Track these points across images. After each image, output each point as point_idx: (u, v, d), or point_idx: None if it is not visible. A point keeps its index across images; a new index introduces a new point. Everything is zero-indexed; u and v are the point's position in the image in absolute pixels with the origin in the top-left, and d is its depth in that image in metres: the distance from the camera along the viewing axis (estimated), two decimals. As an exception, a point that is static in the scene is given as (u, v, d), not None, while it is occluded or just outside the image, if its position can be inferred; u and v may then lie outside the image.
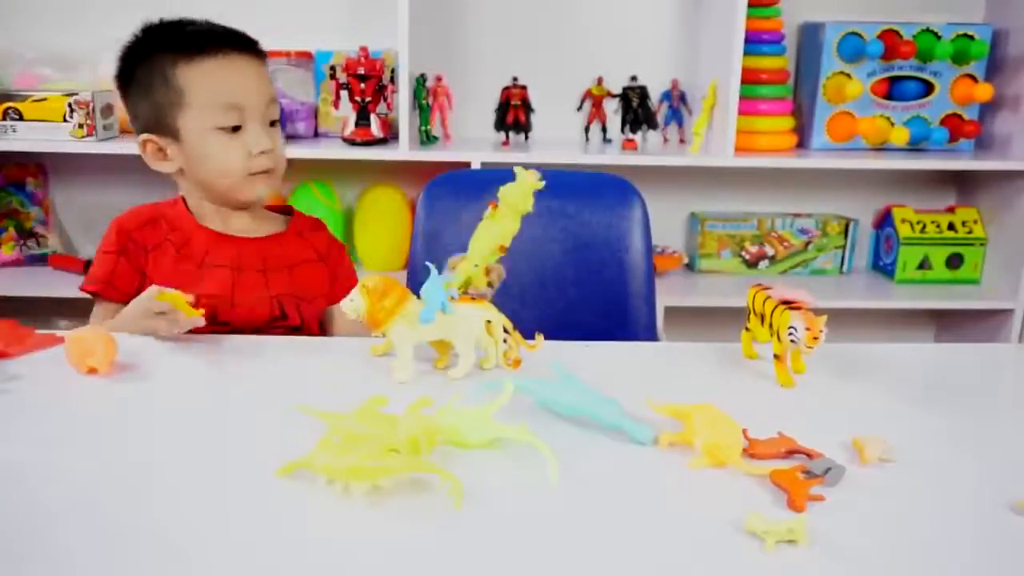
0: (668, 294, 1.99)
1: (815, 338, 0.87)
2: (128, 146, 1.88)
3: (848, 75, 2.04)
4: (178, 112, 1.06)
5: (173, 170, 1.11)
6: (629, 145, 2.04)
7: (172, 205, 1.16)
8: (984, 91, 2.03)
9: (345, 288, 1.10)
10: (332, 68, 1.97)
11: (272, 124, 1.10)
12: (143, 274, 1.11)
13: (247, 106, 1.06)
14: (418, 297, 0.91)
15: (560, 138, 2.16)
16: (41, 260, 2.06)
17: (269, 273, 1.14)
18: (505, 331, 0.94)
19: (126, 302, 1.05)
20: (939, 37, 2.02)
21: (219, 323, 1.07)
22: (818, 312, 0.89)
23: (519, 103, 2.03)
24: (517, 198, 0.96)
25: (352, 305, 0.91)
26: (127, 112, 1.14)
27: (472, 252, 0.98)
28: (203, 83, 1.05)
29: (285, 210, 1.22)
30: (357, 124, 1.95)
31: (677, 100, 2.14)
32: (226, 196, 1.11)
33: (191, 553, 0.59)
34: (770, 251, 2.22)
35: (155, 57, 1.06)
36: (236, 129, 1.06)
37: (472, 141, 2.07)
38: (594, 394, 0.81)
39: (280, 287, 1.13)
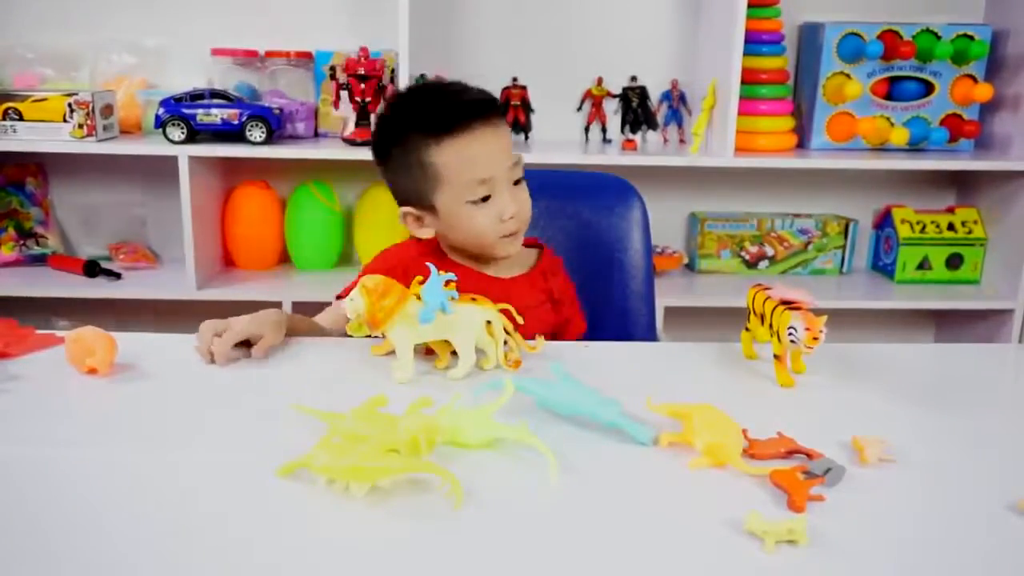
0: (668, 294, 1.99)
1: (815, 338, 0.87)
2: (127, 146, 1.89)
3: (848, 75, 2.05)
4: (435, 190, 1.10)
5: (430, 235, 1.16)
6: (629, 145, 2.04)
7: (420, 248, 1.18)
8: (984, 91, 2.03)
9: (575, 329, 1.23)
10: (332, 68, 1.97)
11: (516, 183, 1.13)
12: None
13: (496, 177, 1.09)
14: (418, 297, 0.91)
15: (560, 138, 2.16)
16: (41, 260, 2.06)
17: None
18: (505, 331, 0.95)
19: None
20: (939, 37, 2.02)
21: None
22: (818, 312, 0.89)
23: (519, 103, 2.03)
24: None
25: (352, 305, 0.91)
26: (386, 182, 1.20)
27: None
28: (455, 163, 1.09)
29: (535, 242, 1.26)
30: (357, 124, 1.94)
31: (677, 100, 2.14)
32: (479, 253, 1.16)
33: (191, 553, 0.59)
34: (770, 251, 2.22)
35: (409, 139, 1.11)
36: (487, 198, 1.10)
37: (472, 141, 2.06)
38: (594, 394, 0.81)
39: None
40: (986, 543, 0.64)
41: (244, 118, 1.87)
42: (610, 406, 0.79)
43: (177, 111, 1.86)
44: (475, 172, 1.08)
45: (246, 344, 0.99)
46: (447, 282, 0.90)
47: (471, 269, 1.16)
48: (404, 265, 1.13)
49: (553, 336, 1.20)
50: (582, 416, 0.80)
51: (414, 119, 1.11)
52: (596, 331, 1.26)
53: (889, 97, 2.09)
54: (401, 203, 1.16)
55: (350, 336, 0.97)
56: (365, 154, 1.93)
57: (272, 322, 1.02)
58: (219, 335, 0.96)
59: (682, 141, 2.16)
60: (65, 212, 2.16)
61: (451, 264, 1.15)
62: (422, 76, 1.97)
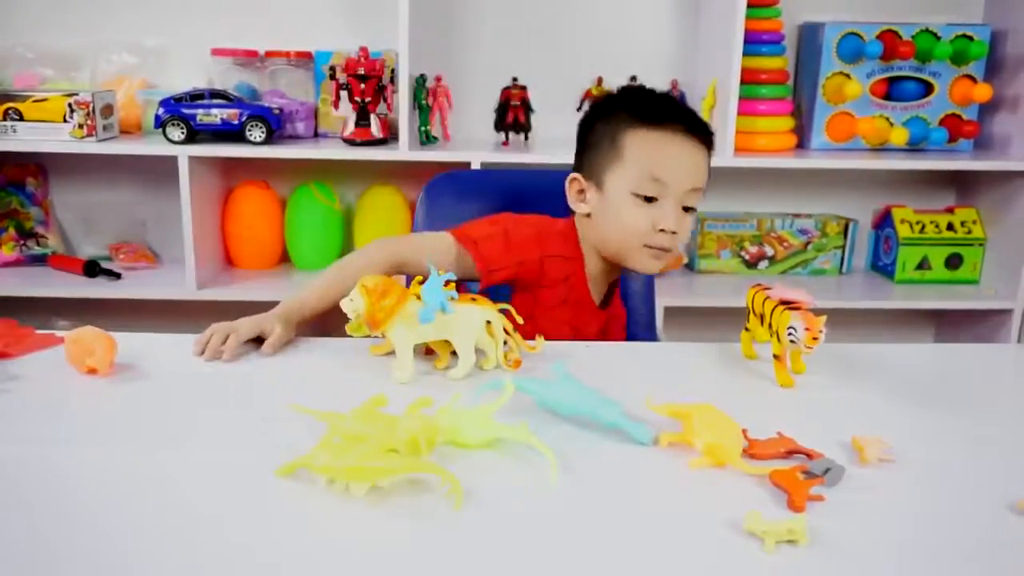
0: (668, 294, 1.99)
1: (815, 338, 0.87)
2: (127, 146, 1.89)
3: (847, 75, 2.05)
4: (612, 167, 1.11)
5: (585, 212, 1.15)
6: (629, 145, 2.04)
7: (573, 249, 1.17)
8: (983, 91, 2.03)
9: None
10: (332, 68, 1.97)
11: (687, 210, 1.12)
12: (515, 280, 1.14)
13: (670, 184, 1.09)
14: (418, 298, 0.91)
15: (560, 138, 2.14)
16: (41, 260, 2.06)
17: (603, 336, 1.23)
18: (505, 331, 0.95)
19: (480, 283, 1.11)
20: (938, 37, 2.02)
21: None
22: (818, 312, 0.89)
23: (519, 103, 2.03)
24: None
25: (351, 305, 0.91)
26: (575, 152, 1.19)
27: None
28: (643, 149, 1.10)
29: None
30: (357, 124, 1.94)
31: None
32: (616, 255, 1.15)
33: (191, 553, 0.59)
34: (770, 251, 2.22)
35: (617, 116, 1.13)
36: (651, 200, 1.09)
37: (472, 141, 2.07)
38: (594, 394, 0.81)
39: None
40: (986, 543, 0.64)
41: (244, 118, 1.87)
42: (610, 406, 0.79)
43: (177, 111, 1.86)
44: (655, 168, 1.09)
45: (254, 341, 0.99)
46: (447, 282, 0.90)
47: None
48: (547, 233, 1.14)
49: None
50: (582, 416, 0.80)
51: (630, 101, 1.15)
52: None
53: (888, 97, 2.09)
54: (575, 170, 1.17)
55: (351, 336, 0.97)
56: (365, 154, 1.95)
57: (276, 316, 1.02)
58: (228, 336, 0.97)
59: (682, 141, 2.16)
60: (65, 212, 2.16)
61: (578, 254, 1.16)
62: (422, 76, 1.97)
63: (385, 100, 1.97)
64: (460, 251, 1.11)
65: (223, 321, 1.00)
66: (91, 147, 1.84)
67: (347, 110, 1.95)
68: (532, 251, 1.13)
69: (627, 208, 1.10)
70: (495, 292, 1.09)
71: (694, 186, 1.11)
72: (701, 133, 1.13)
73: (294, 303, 1.05)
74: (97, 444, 0.76)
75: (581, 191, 1.15)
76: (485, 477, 0.70)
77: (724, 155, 1.95)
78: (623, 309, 1.30)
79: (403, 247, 1.12)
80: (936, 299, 2.10)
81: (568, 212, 1.18)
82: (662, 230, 1.09)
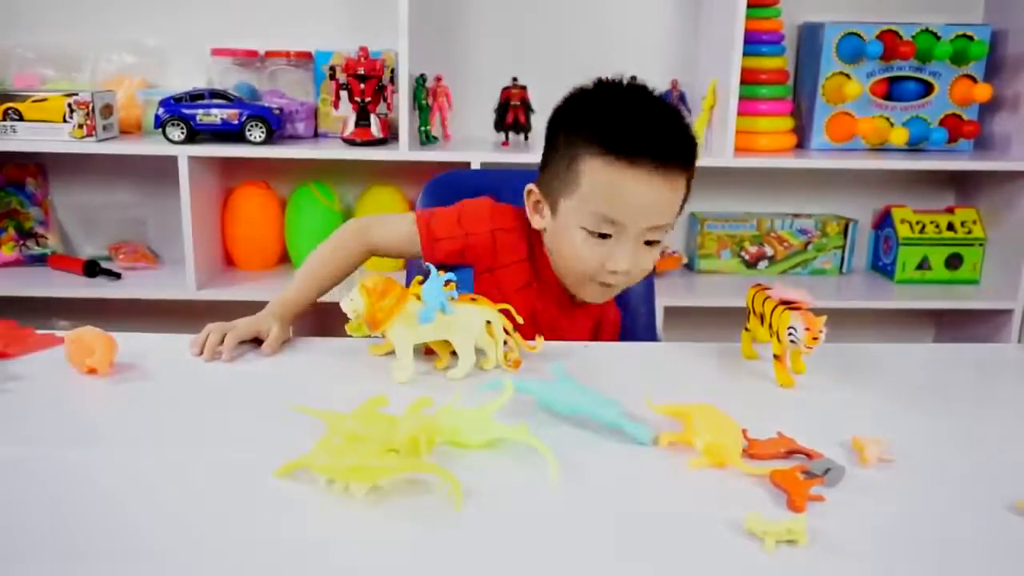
0: (668, 294, 1.99)
1: (815, 338, 0.87)
2: (127, 146, 1.89)
3: (847, 75, 2.05)
4: (566, 192, 1.02)
5: (540, 227, 1.09)
6: (629, 145, 2.04)
7: (518, 224, 1.13)
8: (983, 91, 2.03)
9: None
10: (332, 68, 1.97)
11: (649, 243, 1.03)
12: (465, 261, 1.10)
13: (627, 226, 0.99)
14: (418, 298, 0.91)
15: (560, 138, 2.15)
16: (41, 260, 2.06)
17: (565, 323, 1.15)
18: (505, 331, 0.94)
19: (424, 260, 1.07)
20: (938, 37, 2.02)
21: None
22: (818, 312, 0.89)
23: (519, 103, 2.03)
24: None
25: (351, 305, 0.91)
26: (544, 149, 1.11)
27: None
28: (600, 184, 0.98)
29: None
30: (357, 124, 1.94)
31: (677, 100, 2.14)
32: (563, 280, 1.10)
33: (191, 552, 0.59)
34: (770, 251, 2.22)
35: (579, 133, 1.02)
36: (606, 235, 1.00)
37: (472, 141, 2.07)
38: (594, 394, 0.81)
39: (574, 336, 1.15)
40: (986, 543, 0.64)
41: (244, 118, 1.87)
42: (610, 406, 0.79)
43: (177, 111, 1.86)
44: (611, 209, 0.98)
45: (252, 341, 0.99)
46: (447, 282, 0.90)
47: (553, 276, 1.11)
48: (504, 211, 1.11)
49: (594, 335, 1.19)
50: (582, 416, 0.80)
51: (597, 119, 1.02)
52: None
53: (888, 97, 2.09)
54: (537, 178, 1.10)
55: (351, 336, 0.97)
56: (365, 154, 1.95)
57: (272, 314, 1.02)
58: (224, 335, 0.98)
59: (682, 141, 2.16)
60: (65, 212, 2.16)
61: (541, 258, 1.11)
62: (422, 76, 1.97)
63: (385, 100, 1.97)
64: (414, 232, 1.11)
65: (220, 322, 1.00)
66: (91, 147, 1.84)
67: (347, 110, 1.96)
68: (482, 224, 1.09)
69: (577, 240, 1.02)
70: (465, 279, 1.07)
71: (656, 224, 1.01)
72: (676, 161, 1.00)
73: (286, 301, 1.06)
74: (97, 444, 0.76)
75: (538, 203, 1.08)
76: (485, 477, 0.70)
77: (724, 155, 1.95)
78: (616, 311, 1.24)
79: (373, 234, 1.13)
80: (936, 299, 2.10)
81: None
82: (614, 271, 1.02)
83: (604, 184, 0.99)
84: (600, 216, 1.00)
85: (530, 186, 1.09)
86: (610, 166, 0.98)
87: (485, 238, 1.10)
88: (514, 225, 1.12)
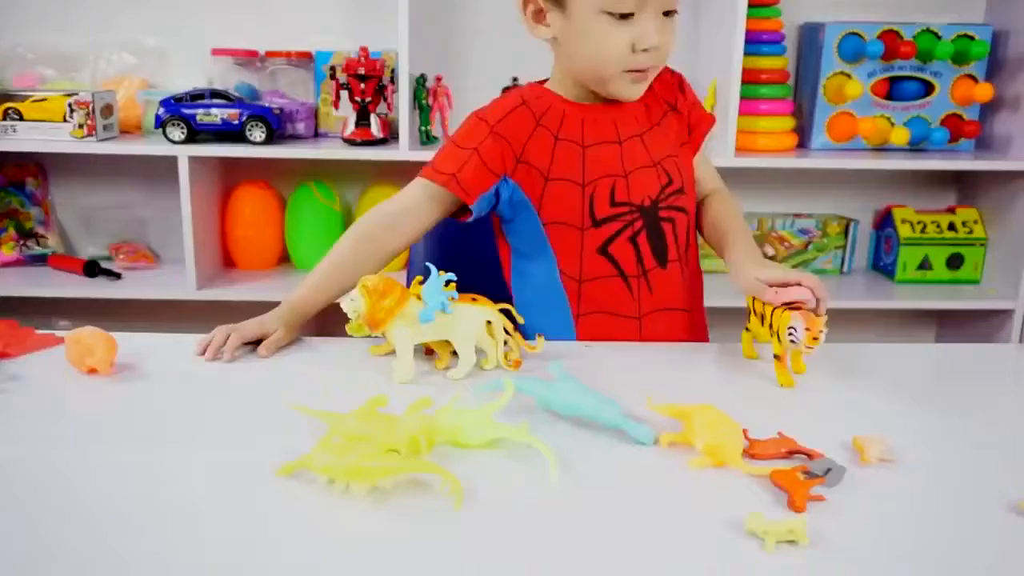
0: (668, 294, 1.99)
1: (815, 338, 0.87)
2: (127, 146, 1.89)
3: (848, 75, 2.04)
4: None
5: (548, 37, 1.03)
6: (629, 145, 2.04)
7: (532, 89, 1.11)
8: (984, 91, 2.03)
9: (700, 127, 1.14)
10: (332, 68, 1.97)
11: (667, 14, 0.97)
12: (496, 176, 1.05)
13: (646, 2, 0.94)
14: (418, 298, 0.91)
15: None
16: (41, 260, 2.06)
17: (647, 138, 1.08)
18: (505, 331, 0.94)
19: (465, 200, 1.04)
20: (939, 37, 2.02)
21: (615, 206, 1.04)
22: (818, 312, 0.89)
23: (519, 103, 2.02)
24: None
25: (351, 305, 0.91)
26: None
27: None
28: None
29: None
30: (357, 124, 1.95)
31: (677, 100, 2.14)
32: (595, 84, 1.04)
33: (191, 553, 0.59)
34: (770, 251, 2.21)
35: None
36: (627, 16, 0.94)
37: (472, 141, 2.06)
38: (594, 394, 0.81)
39: (660, 150, 1.09)
40: (986, 543, 0.64)
41: (244, 118, 1.87)
42: (610, 406, 0.79)
43: (177, 111, 1.86)
44: None
45: (255, 343, 0.99)
46: (447, 283, 0.90)
47: (594, 105, 1.06)
48: (514, 101, 1.07)
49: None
50: (582, 416, 0.80)
51: None
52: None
53: (889, 97, 2.09)
54: None
55: (351, 336, 0.97)
56: (366, 154, 1.95)
57: (280, 317, 1.02)
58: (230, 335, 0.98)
59: (682, 141, 2.16)
60: (65, 212, 2.16)
61: (569, 105, 1.07)
62: (422, 76, 1.97)
63: (385, 100, 1.97)
64: (427, 186, 1.07)
65: (223, 323, 1.00)
66: (91, 147, 1.84)
67: (347, 110, 1.96)
68: (481, 131, 1.05)
69: (599, 30, 0.96)
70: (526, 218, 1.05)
71: None
72: None
73: (294, 304, 1.05)
74: (97, 444, 0.76)
75: (539, 11, 1.01)
76: (485, 477, 0.70)
77: (725, 155, 1.95)
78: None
79: (383, 237, 1.08)
80: (937, 299, 2.10)
81: None
82: (645, 49, 0.96)
83: None
84: None
85: None
86: None
87: (493, 139, 1.05)
88: (505, 111, 1.07)
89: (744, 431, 0.75)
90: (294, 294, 1.06)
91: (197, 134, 1.87)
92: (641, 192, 1.08)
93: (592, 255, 1.08)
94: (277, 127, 1.90)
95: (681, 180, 1.12)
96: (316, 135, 2.08)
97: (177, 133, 1.85)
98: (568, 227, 1.07)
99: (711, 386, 0.94)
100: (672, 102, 1.14)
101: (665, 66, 1.10)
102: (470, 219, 1.08)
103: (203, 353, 0.96)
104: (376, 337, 0.95)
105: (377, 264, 1.08)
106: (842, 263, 2.24)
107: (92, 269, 1.97)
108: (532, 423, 0.75)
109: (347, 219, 2.12)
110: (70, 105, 1.81)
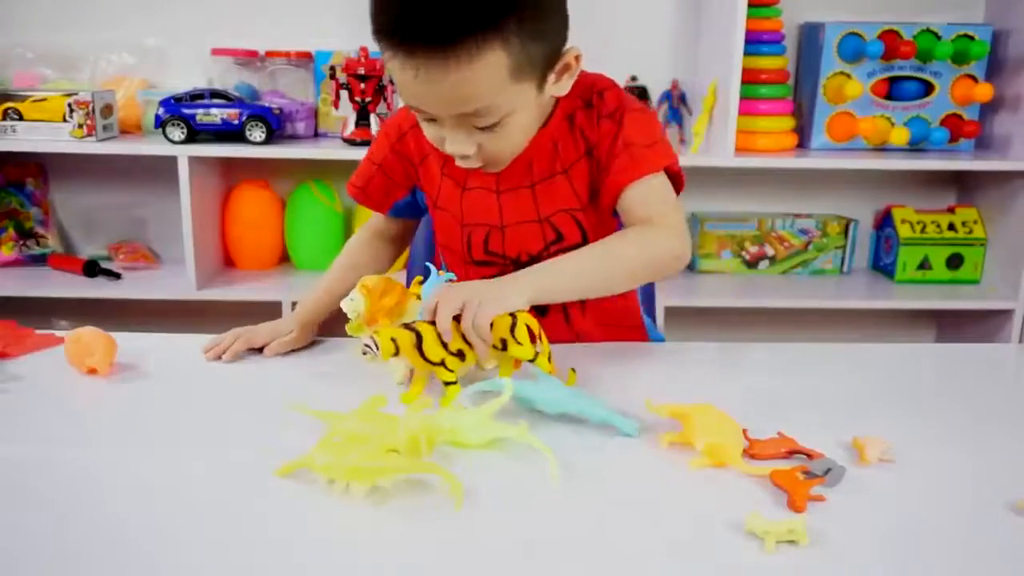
0: (668, 294, 1.99)
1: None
2: (127, 146, 1.89)
3: (848, 75, 2.04)
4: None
5: None
6: (629, 145, 2.03)
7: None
8: (984, 91, 2.03)
9: (627, 169, 0.93)
10: (332, 68, 1.97)
11: (484, 128, 0.87)
12: (404, 187, 1.08)
13: (436, 115, 0.87)
14: (418, 298, 0.91)
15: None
16: (41, 260, 2.06)
17: (539, 190, 0.98)
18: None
19: (380, 209, 1.10)
20: (939, 37, 2.02)
21: (489, 254, 1.03)
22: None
23: (519, 103, 2.02)
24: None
25: (351, 305, 0.91)
26: None
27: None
28: (393, 73, 0.85)
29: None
30: (357, 124, 1.95)
31: (677, 100, 2.14)
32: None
33: (191, 552, 0.59)
34: (770, 251, 2.21)
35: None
36: (432, 119, 0.88)
37: (472, 141, 2.06)
38: (576, 391, 0.81)
39: (553, 204, 0.98)
40: (986, 543, 0.64)
41: (244, 118, 1.87)
42: (593, 401, 0.79)
43: (177, 111, 1.86)
44: (405, 98, 0.88)
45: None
46: (447, 282, 0.90)
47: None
48: (394, 142, 1.06)
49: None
50: (568, 412, 0.80)
51: (382, 8, 0.83)
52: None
53: (889, 97, 2.09)
54: None
55: (351, 336, 0.97)
56: (365, 154, 1.94)
57: (295, 319, 1.02)
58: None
59: (682, 141, 2.16)
60: (65, 212, 2.16)
61: None
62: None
63: (385, 100, 1.97)
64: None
65: (223, 323, 1.00)
66: (91, 147, 1.84)
67: (347, 110, 1.96)
68: (383, 145, 1.07)
69: (421, 123, 0.92)
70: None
71: (460, 111, 0.84)
72: (439, 42, 0.78)
73: (307, 306, 1.05)
74: (97, 444, 0.76)
75: None
76: (485, 477, 0.70)
77: (725, 155, 1.95)
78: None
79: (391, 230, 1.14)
80: (937, 299, 2.10)
81: None
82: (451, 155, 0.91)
83: (396, 77, 0.85)
84: (412, 107, 0.88)
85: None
86: (387, 52, 0.83)
87: (395, 156, 1.06)
88: (401, 132, 1.05)
89: (744, 431, 0.75)
90: (308, 295, 1.08)
91: (197, 134, 1.87)
92: (518, 247, 1.02)
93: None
94: (277, 127, 1.90)
95: (580, 235, 1.01)
96: (316, 135, 2.08)
97: (177, 133, 1.85)
98: (453, 253, 1.10)
99: (711, 386, 0.94)
100: (594, 142, 0.97)
101: (604, 81, 0.99)
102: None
103: (209, 351, 0.96)
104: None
105: (391, 257, 1.13)
106: (842, 263, 2.24)
107: (92, 269, 1.97)
108: (532, 423, 0.75)
109: (347, 219, 2.12)
110: (70, 105, 1.81)
